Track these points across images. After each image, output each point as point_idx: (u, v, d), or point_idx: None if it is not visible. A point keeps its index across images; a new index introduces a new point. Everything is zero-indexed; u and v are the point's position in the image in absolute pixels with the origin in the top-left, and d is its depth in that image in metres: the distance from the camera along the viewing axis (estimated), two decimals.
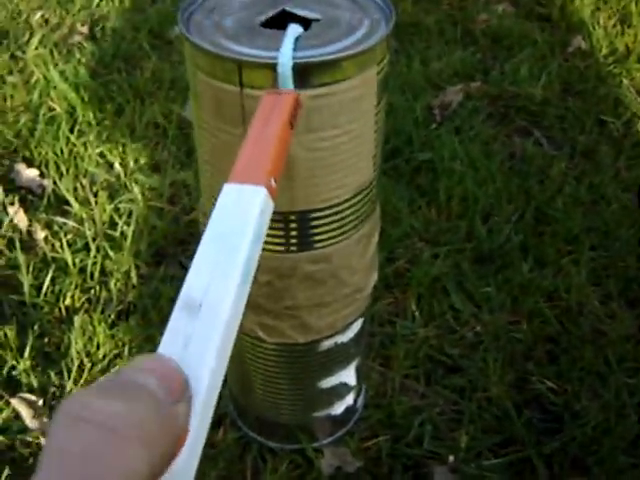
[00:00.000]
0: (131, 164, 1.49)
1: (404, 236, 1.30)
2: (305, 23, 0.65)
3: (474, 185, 1.40)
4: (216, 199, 0.71)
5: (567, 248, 1.31)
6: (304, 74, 0.59)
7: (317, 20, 0.66)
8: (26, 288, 1.24)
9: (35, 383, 1.11)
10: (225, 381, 1.02)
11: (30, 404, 1.08)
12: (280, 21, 0.66)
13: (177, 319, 0.37)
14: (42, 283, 1.25)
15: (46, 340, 1.18)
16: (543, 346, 1.14)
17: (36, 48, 1.92)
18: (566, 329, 1.16)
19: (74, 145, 1.55)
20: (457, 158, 1.47)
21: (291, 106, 0.51)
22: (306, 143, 0.63)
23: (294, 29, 0.62)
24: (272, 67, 0.58)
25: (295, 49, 0.59)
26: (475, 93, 1.72)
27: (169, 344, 0.36)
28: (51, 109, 1.67)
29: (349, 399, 0.97)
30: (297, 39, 0.61)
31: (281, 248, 0.73)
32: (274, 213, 0.67)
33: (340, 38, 0.62)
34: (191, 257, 1.12)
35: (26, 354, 1.14)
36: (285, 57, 0.58)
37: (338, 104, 0.62)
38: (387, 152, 1.48)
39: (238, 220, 0.43)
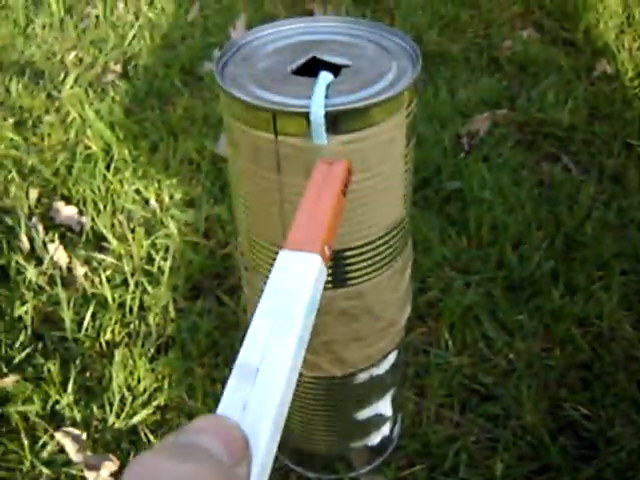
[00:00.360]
0: (166, 200, 1.53)
1: (435, 266, 1.32)
2: (335, 69, 0.68)
3: (504, 213, 1.42)
4: (254, 240, 0.74)
5: (597, 274, 1.32)
6: (335, 121, 0.61)
7: (346, 66, 0.68)
8: (67, 324, 1.27)
9: (78, 417, 1.13)
10: None
11: (74, 438, 1.11)
12: (311, 67, 0.69)
13: (234, 384, 0.39)
14: (83, 318, 1.28)
15: (88, 374, 1.21)
16: (576, 373, 1.15)
17: (71, 87, 1.97)
18: (598, 355, 1.17)
19: (111, 182, 1.59)
20: (486, 186, 1.49)
21: (343, 176, 0.53)
22: None
23: (325, 77, 0.64)
24: (305, 116, 0.61)
25: (326, 96, 0.62)
26: (502, 120, 1.74)
27: (227, 407, 0.39)
28: (87, 147, 1.71)
29: (385, 429, 0.98)
30: (328, 86, 0.64)
31: None
32: None
33: (369, 84, 0.65)
34: (227, 290, 1.13)
35: (69, 388, 1.17)
36: (317, 106, 0.60)
37: (368, 148, 0.65)
38: (416, 182, 1.50)
39: (294, 287, 0.45)
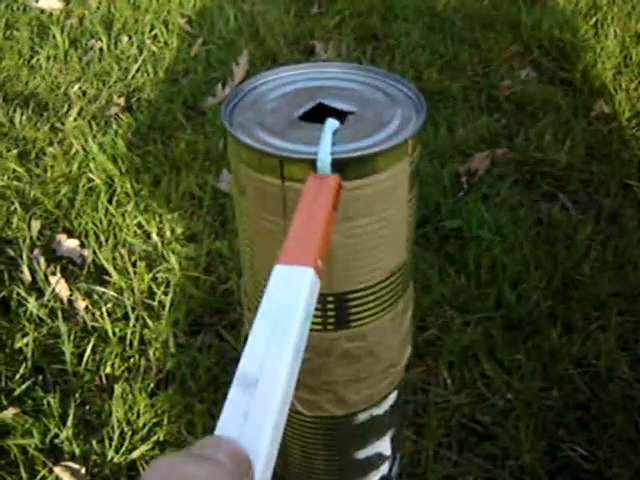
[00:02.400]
0: (168, 234, 1.54)
1: (434, 304, 1.33)
2: (340, 115, 0.69)
3: (502, 252, 1.43)
4: (258, 281, 0.75)
5: (595, 313, 1.33)
6: (341, 168, 0.63)
7: (352, 113, 0.70)
8: (68, 357, 1.28)
9: (77, 451, 1.14)
10: None
11: (73, 472, 1.11)
12: (317, 112, 0.70)
13: (235, 395, 0.41)
14: (83, 352, 1.29)
15: (87, 408, 1.21)
16: (574, 413, 1.16)
17: (75, 119, 1.99)
18: (596, 395, 1.18)
19: (113, 215, 1.61)
20: (485, 225, 1.51)
21: (334, 190, 0.54)
22: (344, 230, 0.67)
23: (331, 124, 0.66)
24: (312, 162, 0.62)
25: (333, 143, 0.63)
26: (501, 159, 1.76)
27: (229, 420, 0.40)
28: (90, 180, 1.73)
29: (384, 469, 0.99)
30: (334, 133, 0.65)
31: (319, 327, 0.76)
32: None
33: (374, 131, 0.66)
34: (227, 326, 1.14)
35: (68, 422, 1.17)
36: (324, 153, 0.61)
37: (373, 194, 0.66)
38: (416, 221, 1.52)
39: (289, 300, 0.47)
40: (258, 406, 0.40)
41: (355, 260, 0.70)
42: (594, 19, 2.42)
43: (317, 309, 0.74)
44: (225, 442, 0.38)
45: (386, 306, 0.77)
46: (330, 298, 0.73)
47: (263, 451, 0.38)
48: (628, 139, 1.85)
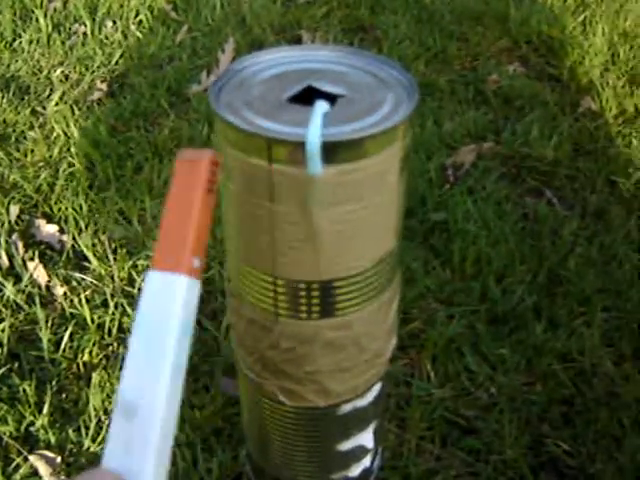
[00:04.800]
0: (149, 221, 1.52)
1: (419, 297, 1.32)
2: (330, 98, 0.67)
3: (488, 246, 1.42)
4: (243, 267, 0.73)
5: (580, 309, 1.32)
6: (331, 151, 0.61)
7: (342, 96, 0.68)
8: (45, 344, 1.26)
9: (53, 440, 1.12)
10: (243, 441, 1.04)
11: (48, 461, 1.09)
12: (306, 96, 0.68)
13: (117, 425, 0.40)
14: (61, 339, 1.27)
15: (64, 396, 1.19)
16: (558, 408, 1.15)
17: (57, 104, 1.96)
18: (580, 391, 1.17)
19: (93, 201, 1.58)
20: (470, 219, 1.49)
21: (207, 172, 0.49)
22: (331, 216, 0.65)
23: (321, 106, 0.64)
24: (301, 144, 0.60)
25: (322, 126, 0.62)
26: (487, 153, 1.74)
27: (112, 452, 0.39)
28: (71, 165, 1.70)
29: (366, 461, 0.97)
30: (324, 116, 0.63)
31: (303, 315, 0.74)
32: (298, 281, 0.69)
33: (364, 115, 0.65)
34: (208, 315, 1.12)
35: (44, 410, 1.15)
36: (313, 135, 0.60)
37: (362, 179, 0.64)
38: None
39: (163, 314, 0.43)
40: (139, 435, 0.39)
41: (342, 247, 0.69)
42: (582, 16, 2.41)
43: (302, 297, 0.72)
44: (107, 476, 0.37)
45: (372, 295, 0.76)
46: (315, 286, 0.72)
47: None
48: (614, 136, 1.85)
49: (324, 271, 0.70)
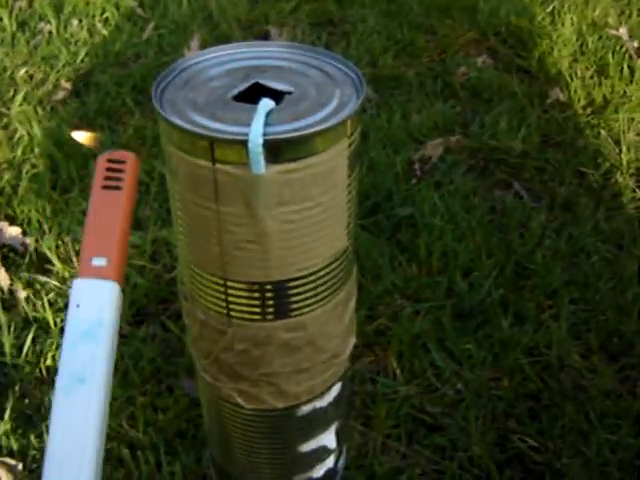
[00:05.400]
0: None
1: (385, 293, 1.31)
2: (278, 95, 0.66)
3: (454, 240, 1.41)
4: (192, 269, 0.72)
5: (547, 302, 1.32)
6: (275, 150, 0.60)
7: (289, 93, 0.67)
8: (7, 348, 1.24)
9: (15, 446, 1.10)
10: (206, 445, 1.02)
11: (10, 468, 1.08)
12: (253, 93, 0.67)
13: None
14: (23, 343, 1.25)
15: (27, 401, 1.17)
16: (524, 403, 1.14)
17: (20, 104, 1.93)
18: (547, 385, 1.17)
19: (57, 202, 1.56)
20: (437, 213, 1.49)
21: (103, 169, 0.49)
22: (279, 216, 0.64)
23: (265, 104, 0.62)
24: (244, 143, 0.59)
25: (266, 124, 0.60)
26: (455, 146, 1.74)
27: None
28: (34, 166, 1.68)
29: (329, 461, 0.96)
30: (268, 113, 0.62)
31: (258, 317, 0.73)
32: (250, 283, 0.67)
33: (311, 112, 0.63)
34: (172, 316, 1.09)
35: (6, 416, 1.13)
36: (255, 134, 0.58)
37: (309, 177, 0.63)
38: (367, 208, 1.50)
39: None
40: None
41: (292, 247, 0.67)
42: (551, 6, 2.40)
43: (256, 299, 0.71)
44: None
45: (327, 295, 0.74)
46: (268, 287, 0.70)
47: None
48: (583, 127, 1.84)
49: (275, 272, 0.69)
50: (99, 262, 0.42)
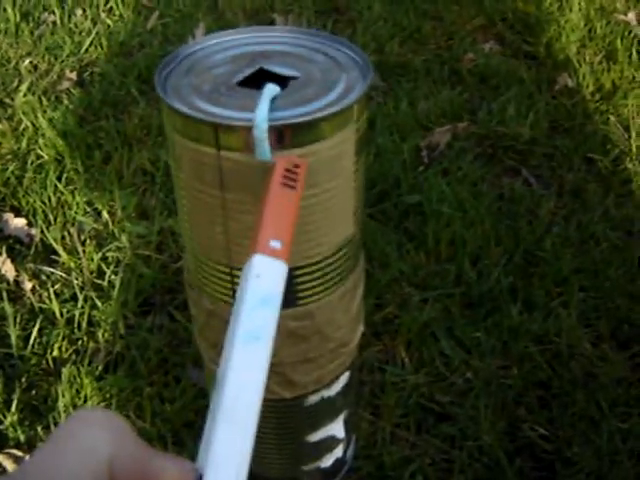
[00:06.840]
0: (119, 212, 1.49)
1: (393, 281, 1.30)
2: (283, 81, 0.65)
3: (463, 228, 1.40)
4: (198, 259, 0.71)
5: (557, 290, 1.30)
6: (280, 136, 0.59)
7: (295, 78, 0.66)
8: (13, 340, 1.23)
9: (22, 437, 1.10)
10: None
11: (17, 460, 1.07)
12: (258, 79, 0.66)
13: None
14: (29, 334, 1.24)
15: (33, 393, 1.17)
16: (534, 391, 1.13)
17: (25, 95, 1.93)
18: (557, 373, 1.16)
19: (62, 193, 1.55)
20: (445, 200, 1.47)
21: (282, 168, 0.54)
22: None
23: (270, 89, 0.61)
24: (248, 129, 0.58)
25: (271, 109, 0.59)
26: (463, 133, 1.72)
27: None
28: (39, 157, 1.67)
29: (338, 451, 0.95)
30: (273, 99, 0.61)
31: None
32: None
33: (317, 97, 0.62)
34: (179, 306, 1.09)
35: (13, 407, 1.13)
36: (260, 119, 0.57)
37: (316, 163, 0.62)
38: (375, 196, 1.48)
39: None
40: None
41: (298, 234, 0.66)
42: None
43: None
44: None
45: (334, 283, 0.73)
46: None
47: None
48: (591, 113, 1.82)
49: None
50: (275, 244, 0.47)
